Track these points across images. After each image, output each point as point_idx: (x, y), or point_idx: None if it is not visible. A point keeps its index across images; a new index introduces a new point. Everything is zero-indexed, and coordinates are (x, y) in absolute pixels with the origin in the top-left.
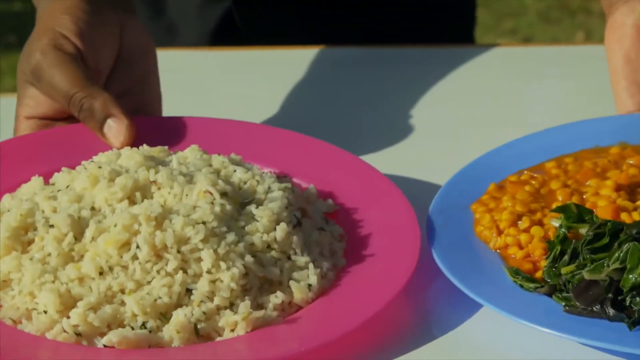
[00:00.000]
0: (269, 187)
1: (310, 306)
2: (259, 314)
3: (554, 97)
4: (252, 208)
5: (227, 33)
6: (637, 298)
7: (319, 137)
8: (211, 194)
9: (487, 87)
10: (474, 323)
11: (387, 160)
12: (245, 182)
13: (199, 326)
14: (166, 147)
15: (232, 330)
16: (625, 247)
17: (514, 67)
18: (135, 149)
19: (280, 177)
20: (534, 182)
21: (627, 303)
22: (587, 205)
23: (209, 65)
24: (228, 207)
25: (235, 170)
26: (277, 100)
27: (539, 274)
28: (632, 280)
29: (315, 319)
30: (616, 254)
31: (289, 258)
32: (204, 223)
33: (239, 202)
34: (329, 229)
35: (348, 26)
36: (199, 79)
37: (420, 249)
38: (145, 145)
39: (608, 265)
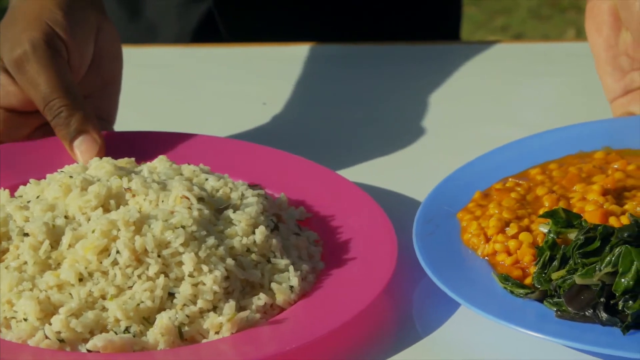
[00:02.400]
0: (243, 194)
1: (293, 308)
2: (244, 314)
3: (544, 94)
4: (229, 213)
5: (207, 33)
6: (630, 302)
7: (298, 134)
8: (188, 198)
9: (477, 85)
10: (460, 328)
11: (373, 162)
12: (218, 190)
13: (183, 329)
14: (132, 159)
15: (217, 333)
16: (616, 250)
17: (504, 64)
18: (104, 158)
19: (252, 186)
20: (519, 189)
21: (620, 307)
22: (575, 211)
23: (190, 63)
24: (206, 211)
25: (207, 179)
26: (259, 97)
27: (528, 280)
28: (624, 284)
29: (299, 319)
30: (608, 258)
31: (268, 261)
32: (183, 227)
33: (215, 207)
34: (305, 234)
35: (329, 24)
36: (180, 76)
37: (398, 252)
38: (109, 158)
39: (600, 270)
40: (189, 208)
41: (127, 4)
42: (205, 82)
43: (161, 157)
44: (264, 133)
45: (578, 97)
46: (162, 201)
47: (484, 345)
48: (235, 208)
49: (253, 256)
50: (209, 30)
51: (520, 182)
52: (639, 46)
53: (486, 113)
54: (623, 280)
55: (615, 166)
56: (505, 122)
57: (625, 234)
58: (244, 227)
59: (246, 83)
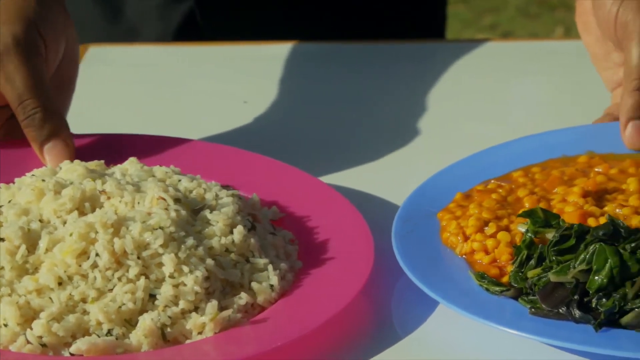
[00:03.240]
0: (217, 194)
1: (274, 307)
2: (226, 314)
3: (533, 93)
4: (206, 213)
5: (189, 33)
6: (603, 299)
7: (279, 134)
8: (164, 200)
9: (465, 84)
10: (439, 326)
11: (355, 162)
12: (191, 191)
13: (165, 331)
14: (102, 162)
15: (200, 333)
16: (591, 248)
17: (492, 62)
18: (75, 161)
19: (224, 187)
20: (500, 191)
21: (593, 305)
22: (554, 211)
23: (171, 61)
24: (183, 212)
25: (180, 180)
26: (241, 96)
27: (505, 279)
28: (598, 281)
29: (281, 318)
30: (582, 256)
31: (247, 261)
32: (161, 228)
33: (191, 208)
34: (280, 234)
35: (312, 23)
36: (161, 75)
37: (376, 251)
38: (79, 161)
39: (574, 267)
40: (166, 209)
41: (107, 3)
42: (187, 81)
43: (131, 159)
44: (245, 132)
45: (567, 96)
46: (138, 203)
47: (462, 343)
48: (212, 208)
49: (232, 256)
50: (191, 30)
51: (502, 184)
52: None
53: (474, 112)
54: (597, 278)
55: (599, 170)
56: (494, 121)
57: (601, 233)
58: (222, 227)
59: (228, 82)
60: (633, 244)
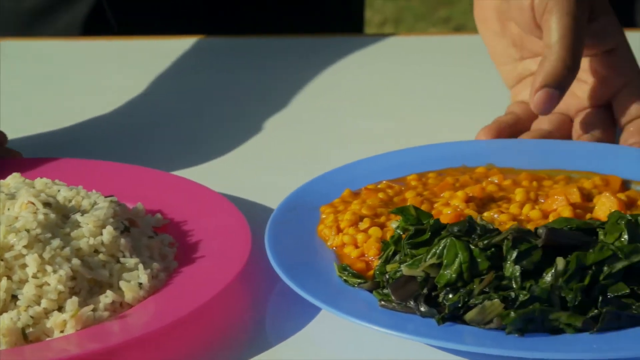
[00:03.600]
0: (95, 202)
1: (142, 304)
2: (87, 309)
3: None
4: (77, 216)
5: (97, 25)
6: (450, 294)
7: (173, 129)
8: (33, 204)
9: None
10: (316, 329)
11: (247, 165)
12: (70, 200)
13: (27, 330)
14: None
15: (62, 332)
16: (442, 242)
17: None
18: None
19: (107, 197)
20: (389, 191)
21: (440, 299)
22: (434, 213)
23: (71, 57)
24: (52, 215)
25: (59, 190)
26: (140, 91)
27: (371, 273)
28: (447, 276)
29: (145, 313)
30: (434, 249)
31: (118, 261)
32: (27, 230)
33: (63, 213)
34: (159, 237)
35: (223, 17)
36: (59, 70)
37: (251, 248)
38: None
39: (425, 261)
40: (35, 213)
41: None
42: (84, 76)
43: (15, 174)
44: (138, 126)
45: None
46: (8, 209)
47: (341, 343)
48: (85, 213)
49: (101, 256)
50: (99, 21)
51: (393, 185)
52: (527, 37)
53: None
54: (446, 272)
55: (494, 180)
56: (394, 119)
57: (456, 229)
58: (91, 228)
59: (127, 76)
60: (485, 241)
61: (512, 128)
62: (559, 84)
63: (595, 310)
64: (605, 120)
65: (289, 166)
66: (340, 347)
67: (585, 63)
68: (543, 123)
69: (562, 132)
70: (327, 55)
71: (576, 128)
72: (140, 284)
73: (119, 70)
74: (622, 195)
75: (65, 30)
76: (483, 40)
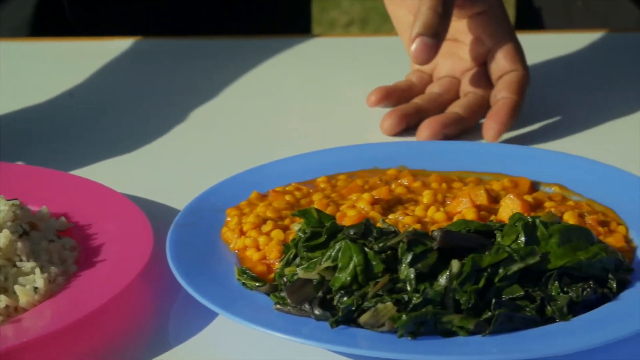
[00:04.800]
0: None
1: (37, 308)
2: None
3: None
4: None
5: (53, 20)
6: (345, 298)
7: (98, 130)
8: None
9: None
10: (211, 328)
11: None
12: None
13: None
14: None
15: None
16: (337, 245)
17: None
18: None
19: (10, 200)
20: (297, 193)
21: (335, 302)
22: (338, 215)
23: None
24: None
25: None
26: (78, 91)
27: (272, 276)
28: (342, 279)
29: (38, 317)
30: (329, 252)
31: (14, 265)
32: None
33: None
34: (60, 241)
35: (176, 18)
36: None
37: (157, 251)
38: None
39: (320, 264)
40: None
41: None
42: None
43: None
44: (51, 128)
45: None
46: None
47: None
48: None
49: None
50: (55, 15)
51: (302, 187)
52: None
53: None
54: (341, 275)
55: (404, 182)
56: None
57: (352, 232)
58: None
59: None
60: (381, 244)
61: (405, 92)
62: (433, 32)
63: (489, 313)
64: (488, 79)
65: (203, 168)
66: (238, 350)
67: (463, 25)
68: (434, 87)
69: (451, 93)
70: (252, 57)
71: (462, 88)
72: (35, 288)
73: (41, 71)
74: (529, 197)
75: (22, 24)
76: (394, 19)
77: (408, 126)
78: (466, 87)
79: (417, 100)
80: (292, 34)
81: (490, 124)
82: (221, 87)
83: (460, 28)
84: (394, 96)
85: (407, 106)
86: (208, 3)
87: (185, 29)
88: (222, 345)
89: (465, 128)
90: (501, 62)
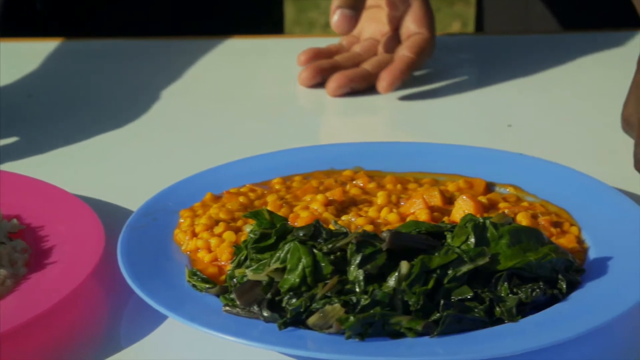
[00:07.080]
0: None
1: None
2: None
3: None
4: None
5: (25, 14)
6: (294, 299)
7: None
8: None
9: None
10: (162, 330)
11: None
12: None
13: None
14: None
15: None
16: (286, 246)
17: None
18: None
19: None
20: (251, 195)
21: (284, 304)
22: (291, 217)
23: None
24: None
25: None
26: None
27: (223, 278)
28: (290, 280)
29: None
30: (278, 254)
31: None
32: None
33: None
34: (12, 244)
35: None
36: None
37: (110, 253)
38: None
39: (269, 265)
40: None
41: None
42: None
43: None
44: (17, 128)
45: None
46: None
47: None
48: None
49: None
50: (27, 9)
51: (256, 188)
52: None
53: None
54: (290, 277)
55: (359, 183)
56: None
57: (301, 233)
58: None
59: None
60: (330, 246)
61: (333, 53)
62: (352, 4)
63: (437, 314)
64: (400, 41)
65: (158, 169)
66: (188, 351)
67: None
68: (356, 47)
69: (370, 54)
70: (215, 57)
71: (380, 50)
72: None
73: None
74: (483, 198)
75: None
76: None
77: (323, 80)
78: (384, 48)
79: (337, 58)
80: (265, 34)
81: (383, 76)
82: (178, 87)
83: None
84: (321, 57)
85: (325, 62)
86: (175, 3)
87: (154, 29)
88: (172, 347)
89: (372, 83)
90: (409, 26)
